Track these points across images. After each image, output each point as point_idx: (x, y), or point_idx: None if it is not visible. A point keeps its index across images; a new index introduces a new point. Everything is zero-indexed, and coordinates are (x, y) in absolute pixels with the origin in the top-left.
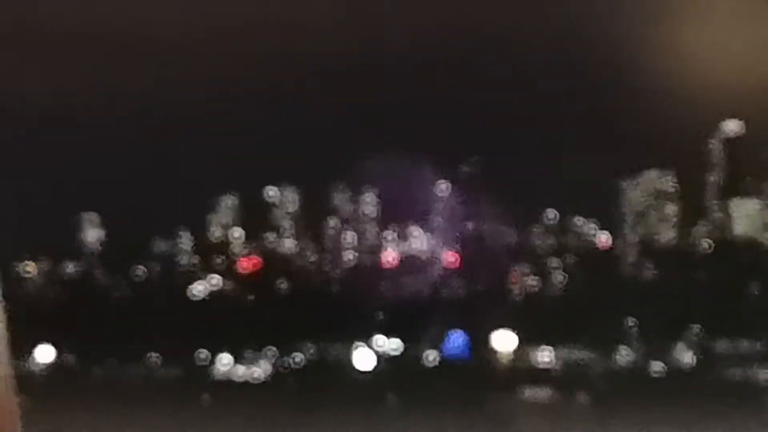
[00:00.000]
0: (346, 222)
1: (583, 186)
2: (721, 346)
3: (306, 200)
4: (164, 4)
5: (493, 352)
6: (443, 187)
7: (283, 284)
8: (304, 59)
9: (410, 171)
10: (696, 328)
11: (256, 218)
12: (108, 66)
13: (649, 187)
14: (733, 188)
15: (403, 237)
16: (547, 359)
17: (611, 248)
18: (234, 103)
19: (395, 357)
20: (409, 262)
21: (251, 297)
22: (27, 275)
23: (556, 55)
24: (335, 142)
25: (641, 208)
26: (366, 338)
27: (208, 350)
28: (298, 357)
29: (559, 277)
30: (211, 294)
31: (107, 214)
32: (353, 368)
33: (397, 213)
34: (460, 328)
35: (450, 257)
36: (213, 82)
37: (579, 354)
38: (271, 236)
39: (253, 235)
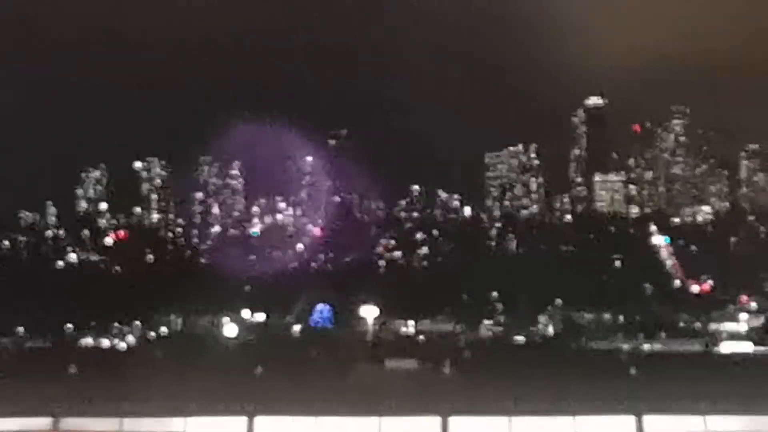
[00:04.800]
0: (212, 195)
1: (447, 160)
2: (583, 318)
3: (172, 174)
4: None
5: (359, 323)
6: (309, 162)
7: (149, 257)
8: (168, 34)
9: (277, 145)
10: (559, 300)
11: (123, 192)
12: None
13: (512, 162)
14: (595, 163)
15: (269, 210)
16: (411, 330)
17: (475, 222)
18: (99, 78)
19: (262, 327)
20: (275, 235)
21: (118, 269)
22: None
23: (422, 34)
24: (202, 117)
25: (505, 182)
26: (233, 309)
27: (76, 322)
28: (165, 328)
29: (423, 250)
30: (78, 267)
31: None
32: (220, 338)
33: (264, 187)
34: (326, 299)
35: (316, 230)
36: (79, 58)
37: (443, 325)
38: (137, 209)
39: (119, 209)
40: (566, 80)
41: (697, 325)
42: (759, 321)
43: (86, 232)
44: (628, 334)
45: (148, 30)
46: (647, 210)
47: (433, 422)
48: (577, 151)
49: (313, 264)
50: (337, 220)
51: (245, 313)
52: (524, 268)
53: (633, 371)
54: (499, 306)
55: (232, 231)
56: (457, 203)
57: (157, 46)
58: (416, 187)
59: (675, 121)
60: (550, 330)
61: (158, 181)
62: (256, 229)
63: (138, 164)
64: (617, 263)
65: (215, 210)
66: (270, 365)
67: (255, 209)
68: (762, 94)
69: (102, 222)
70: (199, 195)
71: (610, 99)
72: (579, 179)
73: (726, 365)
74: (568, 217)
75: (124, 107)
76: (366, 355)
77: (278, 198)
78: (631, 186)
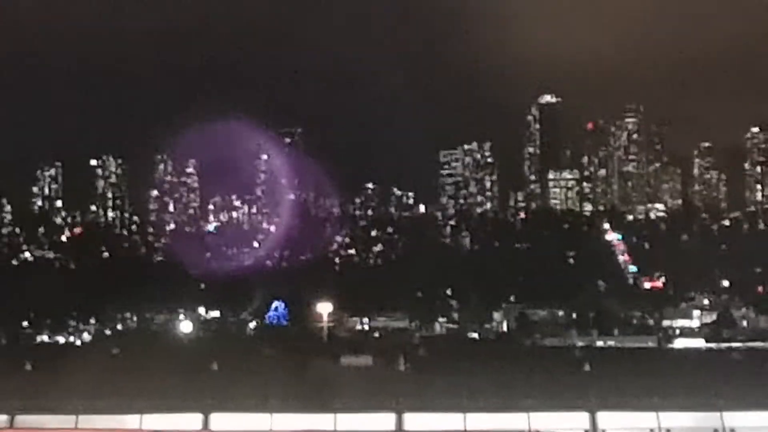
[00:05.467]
0: (168, 193)
1: (402, 158)
2: (537, 314)
3: (128, 172)
4: None
5: (314, 319)
6: (265, 160)
7: (105, 254)
8: (124, 34)
9: (232, 144)
10: (512, 297)
11: (79, 189)
12: None
13: (466, 160)
14: (549, 161)
15: (224, 208)
16: (366, 327)
17: (429, 219)
18: (54, 77)
19: (217, 324)
20: (230, 233)
21: (74, 266)
22: None
23: (377, 34)
24: (157, 116)
25: (459, 180)
26: (188, 306)
27: (32, 319)
28: (121, 324)
29: (378, 248)
30: (34, 264)
31: None
32: (176, 334)
33: (219, 184)
34: (281, 296)
35: (271, 228)
36: (34, 57)
37: (398, 322)
38: (93, 207)
39: (75, 206)
40: (520, 79)
41: (650, 321)
42: (711, 317)
43: (42, 229)
44: (581, 330)
45: (105, 30)
46: (601, 207)
47: (387, 418)
48: (531, 149)
49: (268, 261)
50: (293, 217)
51: (201, 310)
52: (478, 266)
53: (586, 367)
54: (454, 303)
55: (187, 228)
56: (411, 201)
57: (113, 46)
58: (371, 185)
59: (628, 119)
60: (504, 326)
61: (114, 178)
62: (211, 226)
63: (94, 162)
64: (571, 260)
65: (171, 208)
66: (225, 362)
67: (210, 207)
68: (714, 93)
69: (58, 219)
70: (155, 193)
71: (563, 97)
72: (533, 177)
73: (679, 361)
74: (522, 214)
75: (80, 106)
76: (321, 351)
77: (234, 196)
78: (585, 183)
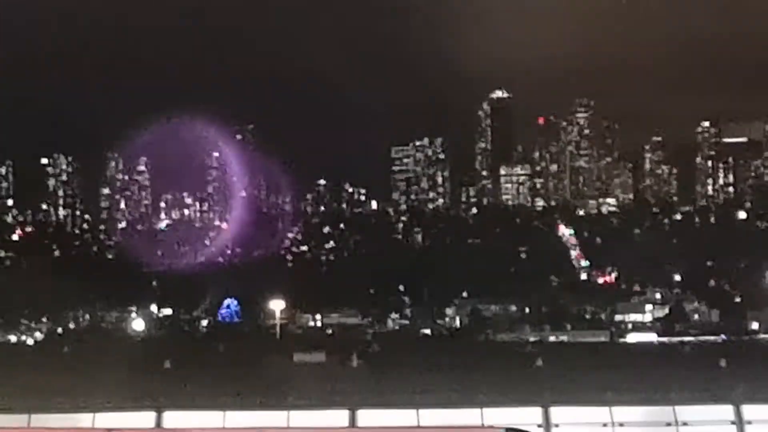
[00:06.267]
0: (119, 191)
1: (354, 155)
2: (490, 310)
3: (79, 170)
4: None
5: (267, 316)
6: (216, 157)
7: (56, 252)
8: (73, 33)
9: (183, 141)
10: (465, 292)
11: (29, 188)
12: None
13: (418, 155)
14: (501, 156)
15: (176, 206)
16: (319, 323)
17: (381, 215)
18: (3, 76)
19: (169, 322)
20: (182, 230)
21: (25, 265)
22: None
23: (328, 29)
24: (108, 114)
25: (411, 176)
26: (141, 304)
27: None
28: (73, 323)
29: (330, 244)
30: None
31: None
32: (128, 332)
33: (170, 182)
34: (234, 293)
35: (223, 225)
36: None
37: (350, 318)
38: (44, 205)
39: (26, 205)
40: (471, 74)
41: (603, 316)
42: (663, 311)
43: None
44: (534, 325)
45: (54, 26)
46: (552, 202)
47: (341, 415)
48: (482, 145)
49: (220, 259)
50: (244, 214)
51: (153, 308)
52: (431, 261)
53: (539, 362)
54: (406, 299)
55: (139, 226)
56: (363, 197)
57: (62, 43)
58: (323, 181)
59: (579, 114)
60: (457, 322)
61: (65, 177)
62: (163, 224)
63: (44, 160)
64: (523, 255)
65: (122, 206)
66: (178, 360)
67: (162, 205)
68: (665, 88)
69: (8, 218)
70: (106, 191)
71: (514, 92)
72: (484, 172)
73: (631, 356)
74: (474, 210)
75: (30, 104)
76: (274, 348)
77: (185, 193)
78: (537, 179)
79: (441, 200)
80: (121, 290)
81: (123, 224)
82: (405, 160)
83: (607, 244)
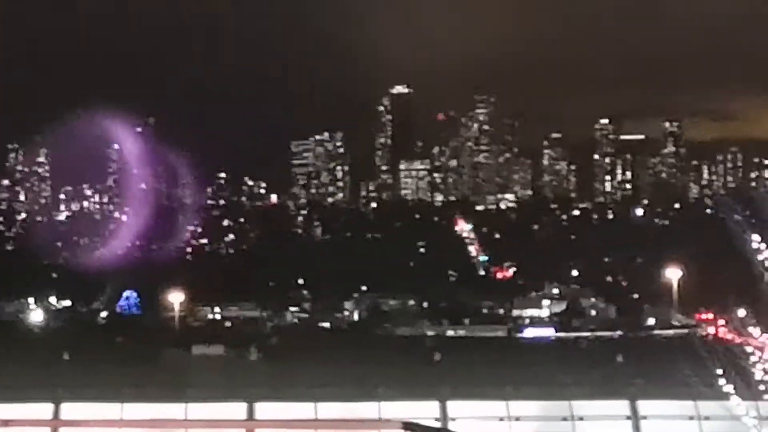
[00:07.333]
0: (19, 182)
1: (254, 148)
2: (388, 304)
3: None
4: None
5: (166, 309)
6: (116, 149)
7: None
8: None
9: (84, 133)
10: (364, 286)
11: None
12: None
13: (318, 150)
14: (401, 151)
15: (76, 197)
16: (218, 316)
17: (281, 209)
18: None
19: (68, 313)
20: (82, 222)
21: None
22: None
23: (231, 22)
24: (8, 105)
25: (311, 170)
26: (39, 296)
27: None
28: None
29: (230, 237)
30: None
31: None
32: (26, 324)
33: (71, 174)
34: (133, 285)
35: (123, 217)
36: None
37: (249, 311)
38: None
39: None
40: (371, 69)
41: (501, 311)
42: (560, 307)
43: None
44: (432, 319)
45: None
46: (452, 197)
47: (239, 408)
48: (382, 140)
49: (120, 251)
50: (144, 207)
51: (52, 300)
52: (330, 255)
53: (437, 357)
54: (305, 292)
55: (38, 218)
56: (263, 191)
57: None
58: (223, 174)
59: (479, 110)
60: (356, 316)
61: None
62: (62, 216)
63: None
64: (422, 250)
65: (22, 197)
66: (77, 351)
67: (62, 196)
68: (565, 85)
69: None
70: (5, 182)
71: (414, 88)
72: (384, 167)
73: (529, 350)
74: (374, 204)
75: None
76: (173, 341)
77: (85, 185)
78: (436, 174)
79: (341, 194)
80: (19, 281)
81: (22, 215)
82: (305, 154)
83: (506, 239)
